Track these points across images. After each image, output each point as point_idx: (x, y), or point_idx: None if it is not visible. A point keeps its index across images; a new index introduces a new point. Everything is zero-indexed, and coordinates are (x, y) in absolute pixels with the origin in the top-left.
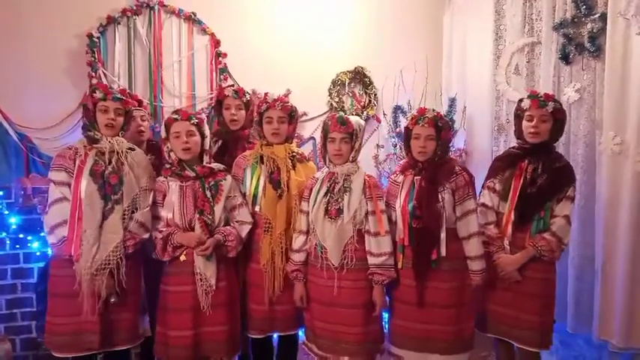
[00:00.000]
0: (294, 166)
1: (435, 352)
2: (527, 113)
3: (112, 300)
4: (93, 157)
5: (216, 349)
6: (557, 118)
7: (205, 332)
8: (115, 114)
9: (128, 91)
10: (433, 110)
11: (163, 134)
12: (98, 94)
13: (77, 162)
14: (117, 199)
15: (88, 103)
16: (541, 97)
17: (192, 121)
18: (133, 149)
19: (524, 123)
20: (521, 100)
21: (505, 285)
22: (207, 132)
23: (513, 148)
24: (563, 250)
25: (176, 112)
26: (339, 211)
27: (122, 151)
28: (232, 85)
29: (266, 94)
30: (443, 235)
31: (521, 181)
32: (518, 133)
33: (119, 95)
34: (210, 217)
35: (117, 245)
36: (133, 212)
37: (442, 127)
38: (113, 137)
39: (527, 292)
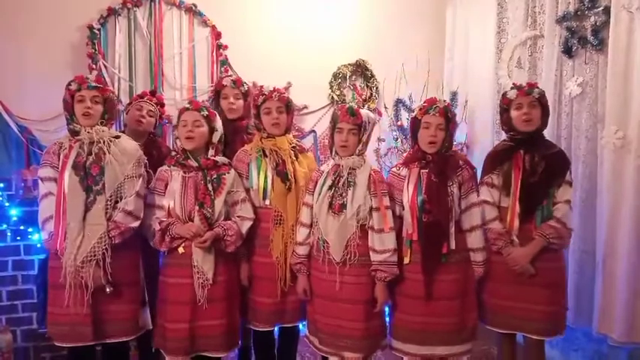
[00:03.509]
0: (296, 157)
1: (440, 344)
2: (515, 103)
3: (108, 290)
4: (77, 150)
5: (213, 343)
6: (543, 104)
7: (202, 326)
8: (91, 102)
9: (155, 90)
10: (444, 100)
11: (175, 122)
12: (73, 86)
13: (61, 156)
14: (98, 190)
15: (66, 97)
16: (524, 86)
17: (202, 112)
18: (118, 137)
19: (514, 113)
20: (505, 93)
21: (514, 278)
22: (218, 126)
23: (505, 141)
24: (571, 236)
25: (189, 101)
26: (343, 206)
27: (103, 141)
28: (230, 76)
29: (261, 86)
30: (452, 228)
31: (521, 171)
32: (508, 126)
33: (94, 83)
34: (210, 210)
35: (101, 236)
36: (117, 202)
37: (451, 118)
38: (92, 127)
39: (538, 283)
